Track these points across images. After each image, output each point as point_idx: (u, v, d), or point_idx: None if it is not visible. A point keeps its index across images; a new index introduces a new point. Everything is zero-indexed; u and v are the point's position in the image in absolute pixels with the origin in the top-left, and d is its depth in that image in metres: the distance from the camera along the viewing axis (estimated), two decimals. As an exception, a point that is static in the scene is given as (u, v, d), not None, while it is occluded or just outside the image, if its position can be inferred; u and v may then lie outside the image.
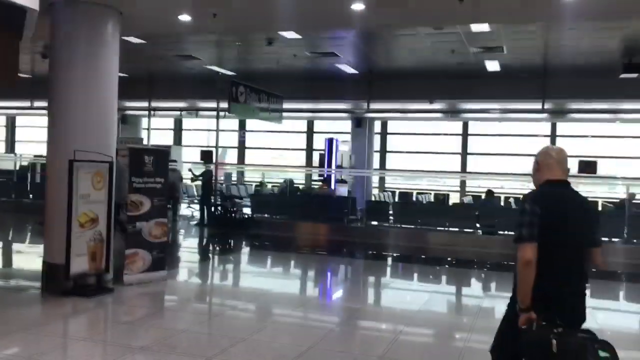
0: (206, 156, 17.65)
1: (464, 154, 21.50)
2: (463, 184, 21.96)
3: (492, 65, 13.71)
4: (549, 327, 2.88)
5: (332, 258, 12.38)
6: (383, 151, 22.49)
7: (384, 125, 22.23)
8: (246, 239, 14.32)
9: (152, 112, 18.46)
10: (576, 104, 15.86)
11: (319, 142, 23.04)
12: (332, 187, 17.64)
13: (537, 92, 14.55)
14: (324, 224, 14.85)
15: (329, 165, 18.57)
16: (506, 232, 12.71)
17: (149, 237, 8.26)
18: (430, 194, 19.18)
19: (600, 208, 16.60)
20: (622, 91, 14.08)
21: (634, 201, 17.59)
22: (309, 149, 23.50)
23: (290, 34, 11.36)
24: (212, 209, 15.73)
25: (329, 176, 18.15)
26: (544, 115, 16.30)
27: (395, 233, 14.01)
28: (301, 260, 11.79)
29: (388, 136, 22.58)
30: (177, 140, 25.39)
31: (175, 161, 16.40)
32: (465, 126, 21.50)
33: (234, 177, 22.65)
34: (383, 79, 15.65)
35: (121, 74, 8.13)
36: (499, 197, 16.65)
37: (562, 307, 3.01)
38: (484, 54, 12.56)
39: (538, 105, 14.86)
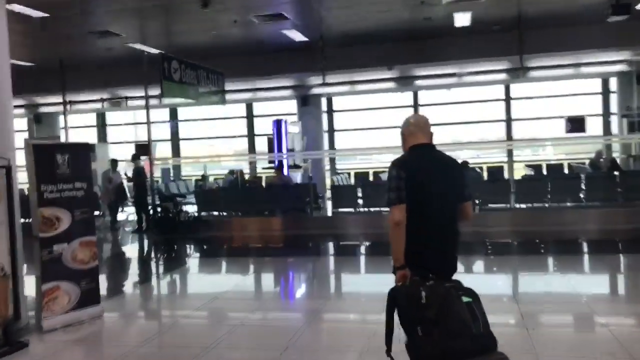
0: (142, 151, 15.04)
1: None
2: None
3: (463, 19, 11.89)
4: (421, 281, 3.02)
5: (300, 259, 10.06)
6: (331, 130, 20.49)
7: (330, 101, 20.18)
8: (195, 243, 12.06)
9: (67, 107, 15.60)
10: (556, 59, 14.24)
11: (261, 127, 20.88)
12: (286, 173, 15.57)
13: (512, 48, 12.82)
14: (283, 217, 12.80)
15: (280, 150, 16.44)
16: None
17: (73, 263, 6.01)
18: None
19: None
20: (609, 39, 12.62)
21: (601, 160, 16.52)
22: (251, 135, 21.23)
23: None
24: (152, 211, 13.31)
25: (280, 162, 16.03)
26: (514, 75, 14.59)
27: (369, 220, 12.10)
28: (266, 266, 9.66)
29: (335, 114, 20.56)
30: (102, 137, 22.55)
31: (116, 161, 14.01)
32: (416, 96, 19.79)
33: (172, 173, 20.13)
34: (338, 46, 13.57)
35: (26, 63, 5.72)
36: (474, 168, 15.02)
37: (433, 260, 3.16)
38: (458, 3, 10.69)
39: (515, 63, 13.10)
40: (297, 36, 12.76)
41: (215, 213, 13.57)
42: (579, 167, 16.13)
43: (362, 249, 10.98)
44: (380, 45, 13.78)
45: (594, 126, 19.10)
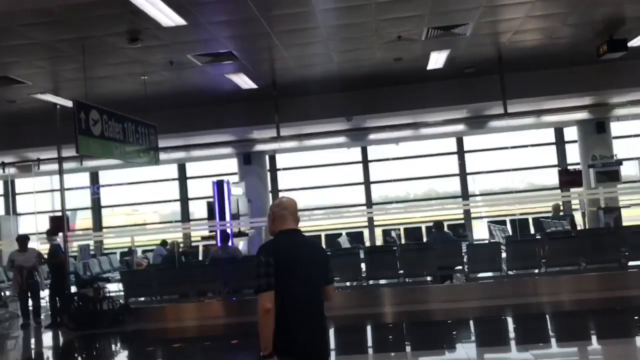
0: (56, 224, 12.02)
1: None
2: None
3: (438, 59, 10.16)
4: None
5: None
6: (275, 190, 18.18)
7: (273, 159, 17.98)
8: (121, 340, 9.33)
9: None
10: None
11: (196, 190, 18.37)
12: (230, 243, 13.09)
13: (494, 92, 11.14)
14: (232, 300, 10.34)
15: (222, 215, 13.97)
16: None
17: None
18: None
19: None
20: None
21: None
22: (184, 200, 18.61)
23: (170, 18, 6.93)
24: (65, 301, 10.45)
25: (223, 231, 13.50)
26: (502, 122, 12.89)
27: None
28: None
29: (279, 172, 18.34)
30: (10, 208, 19.20)
31: (25, 237, 10.93)
32: (365, 151, 17.98)
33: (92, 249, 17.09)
34: (290, 95, 11.49)
35: None
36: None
37: (303, 347, 3.16)
38: (438, 39, 8.92)
39: (498, 109, 11.38)
40: (244, 82, 10.59)
41: (149, 298, 10.89)
42: (547, 222, 14.58)
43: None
44: (340, 94, 11.85)
45: (548, 178, 18.00)
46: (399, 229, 15.76)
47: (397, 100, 11.94)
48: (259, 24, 7.60)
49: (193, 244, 16.49)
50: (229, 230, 13.47)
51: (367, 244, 16.30)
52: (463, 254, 10.67)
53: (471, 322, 8.70)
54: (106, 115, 8.31)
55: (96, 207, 18.97)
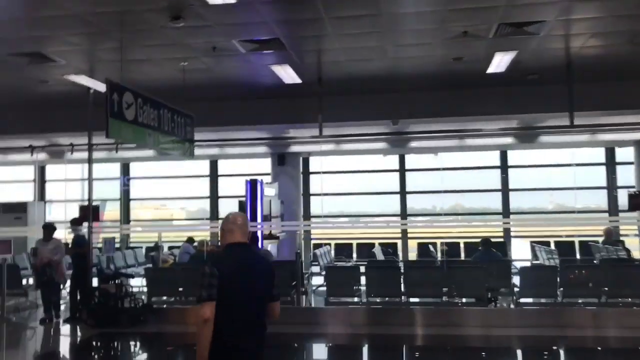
0: (84, 214, 11.29)
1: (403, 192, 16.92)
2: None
3: (501, 62, 9.20)
4: None
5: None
6: (306, 194, 17.29)
7: (306, 161, 17.08)
8: (141, 341, 8.56)
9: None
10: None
11: (228, 188, 17.61)
12: (260, 245, 12.27)
13: (558, 102, 10.10)
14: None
15: (254, 216, 13.15)
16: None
17: None
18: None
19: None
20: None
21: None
22: (214, 198, 17.85)
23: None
24: (87, 296, 9.71)
25: (254, 232, 12.67)
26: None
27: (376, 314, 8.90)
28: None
29: (312, 176, 17.44)
30: (41, 195, 18.69)
31: (51, 226, 10.13)
32: (403, 159, 17.00)
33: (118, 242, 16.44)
34: (336, 92, 10.62)
35: None
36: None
37: (239, 358, 3.21)
38: (507, 38, 7.97)
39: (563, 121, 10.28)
40: (288, 75, 9.75)
41: (172, 299, 10.11)
42: (597, 247, 13.41)
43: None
44: (387, 95, 10.94)
45: (591, 200, 16.82)
46: (437, 244, 14.79)
47: (449, 105, 10.97)
48: (313, 6, 6.75)
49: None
50: (259, 232, 12.72)
51: (400, 256, 15.35)
52: (512, 275, 9.71)
53: (520, 353, 7.74)
54: (141, 99, 7.54)
55: (125, 199, 18.31)
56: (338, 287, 9.71)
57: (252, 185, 13.26)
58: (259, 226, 12.82)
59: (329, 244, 15.49)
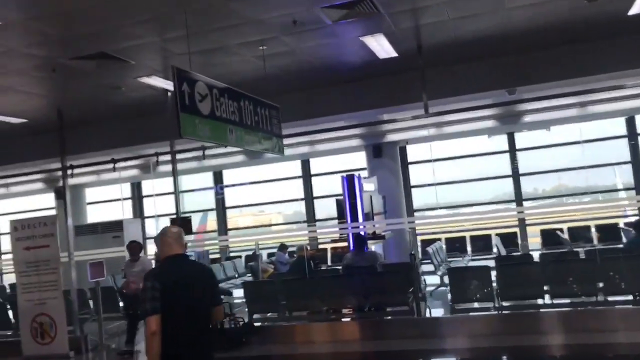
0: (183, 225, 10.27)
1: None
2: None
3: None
4: None
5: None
6: (407, 186, 15.57)
7: (403, 151, 15.35)
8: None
9: (69, 172, 11.23)
10: None
11: (323, 187, 16.31)
12: (365, 247, 10.77)
13: None
14: (374, 319, 8.01)
15: (354, 215, 11.68)
16: None
17: None
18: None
19: None
20: None
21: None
22: (309, 199, 16.57)
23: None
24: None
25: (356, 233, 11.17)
26: None
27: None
28: None
29: (411, 166, 15.71)
30: (138, 211, 18.29)
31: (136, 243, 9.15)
32: (512, 138, 14.89)
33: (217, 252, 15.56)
34: (438, 63, 8.92)
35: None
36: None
37: None
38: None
39: None
40: (382, 48, 8.17)
41: (275, 314, 8.85)
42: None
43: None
44: (499, 59, 9.10)
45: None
46: (563, 229, 12.68)
47: (576, 63, 8.95)
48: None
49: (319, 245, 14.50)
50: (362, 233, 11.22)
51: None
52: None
53: None
54: (217, 90, 6.26)
55: (220, 208, 17.48)
56: (465, 291, 8.02)
57: (349, 181, 11.79)
58: (361, 226, 11.34)
59: (439, 239, 13.85)
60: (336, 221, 13.04)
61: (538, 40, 8.62)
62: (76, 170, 14.92)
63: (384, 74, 9.40)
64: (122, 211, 16.87)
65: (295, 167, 16.43)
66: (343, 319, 8.53)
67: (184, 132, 5.48)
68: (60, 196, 16.90)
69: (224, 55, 7.83)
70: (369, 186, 12.72)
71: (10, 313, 9.57)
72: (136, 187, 18.12)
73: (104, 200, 18.02)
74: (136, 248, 8.76)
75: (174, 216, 9.27)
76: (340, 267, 13.55)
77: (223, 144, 6.32)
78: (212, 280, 3.60)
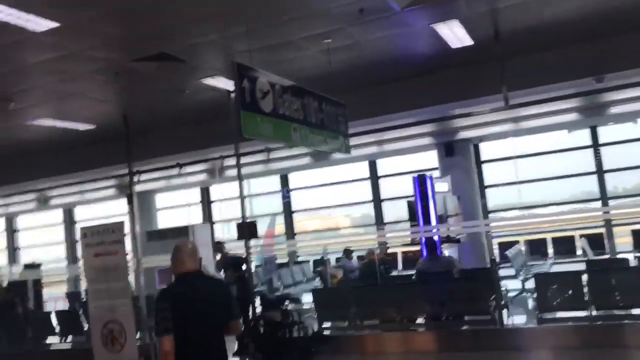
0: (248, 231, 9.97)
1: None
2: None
3: None
4: None
5: None
6: (480, 186, 14.64)
7: (476, 148, 14.45)
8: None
9: (135, 178, 11.14)
10: None
11: (391, 189, 15.67)
12: (438, 251, 10.08)
13: None
14: (453, 329, 7.36)
15: (427, 217, 11.02)
16: None
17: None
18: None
19: None
20: None
21: None
22: (377, 201, 15.96)
23: None
24: (252, 324, 8.28)
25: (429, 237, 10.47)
26: None
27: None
28: None
29: (485, 165, 14.77)
30: (207, 216, 18.28)
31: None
32: (595, 132, 13.69)
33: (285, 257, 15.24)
34: (517, 50, 8.15)
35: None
36: None
37: None
38: None
39: None
40: (455, 36, 7.52)
41: (345, 323, 8.35)
42: None
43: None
44: (585, 44, 8.21)
45: None
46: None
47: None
48: None
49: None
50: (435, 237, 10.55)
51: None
52: None
53: None
54: (279, 86, 5.85)
55: (287, 212, 17.17)
56: (553, 299, 7.23)
57: (421, 181, 11.15)
58: (434, 229, 10.65)
59: (517, 241, 12.96)
60: (407, 224, 12.41)
61: (627, 22, 7.70)
62: (146, 176, 15.14)
63: (457, 64, 8.71)
64: (189, 216, 16.91)
65: (363, 169, 15.89)
66: (418, 329, 7.97)
67: (245, 131, 5.08)
68: (131, 202, 17.21)
69: (286, 51, 7.42)
70: (442, 187, 12.02)
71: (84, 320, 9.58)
72: (205, 192, 18.12)
73: (174, 205, 18.13)
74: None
75: (240, 221, 8.97)
76: (412, 273, 13.08)
77: (286, 143, 5.87)
78: (226, 296, 3.60)
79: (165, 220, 17.65)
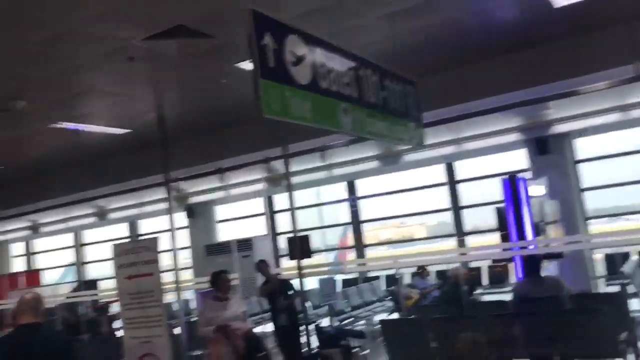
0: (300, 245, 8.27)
1: None
2: None
3: None
4: None
5: None
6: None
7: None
8: None
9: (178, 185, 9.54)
10: None
11: (472, 194, 13.54)
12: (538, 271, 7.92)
13: None
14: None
15: (519, 228, 8.87)
16: None
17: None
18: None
19: None
20: None
21: None
22: (456, 208, 13.82)
23: None
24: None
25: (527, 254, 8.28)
26: None
27: None
28: None
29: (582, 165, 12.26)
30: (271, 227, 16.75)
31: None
32: None
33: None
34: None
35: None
36: None
37: None
38: None
39: None
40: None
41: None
42: None
43: None
44: None
45: None
46: None
47: None
48: None
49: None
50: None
51: None
52: None
53: None
54: (322, 49, 4.09)
55: (356, 222, 15.36)
56: None
57: (512, 184, 9.04)
58: (532, 244, 8.46)
59: (627, 253, 10.66)
60: (495, 234, 10.29)
61: None
62: (205, 187, 13.86)
63: (561, 32, 6.62)
64: (247, 228, 15.49)
65: (439, 173, 13.85)
66: None
67: (266, 110, 3.38)
68: (191, 214, 16.00)
69: (338, 19, 5.66)
70: (536, 190, 9.83)
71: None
72: (267, 202, 16.62)
73: (235, 217, 16.76)
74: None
75: (291, 234, 7.33)
76: (500, 291, 10.93)
77: (331, 129, 4.10)
78: (65, 350, 3.54)
79: (226, 233, 16.29)
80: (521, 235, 8.85)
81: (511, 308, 6.53)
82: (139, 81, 6.72)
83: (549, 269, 9.10)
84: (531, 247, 8.25)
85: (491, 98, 7.62)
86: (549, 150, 10.99)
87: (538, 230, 9.14)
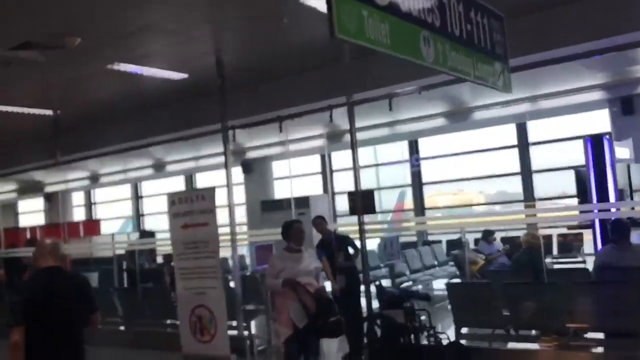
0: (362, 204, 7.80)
1: None
2: None
3: None
4: None
5: None
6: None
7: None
8: None
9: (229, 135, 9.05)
10: None
11: (543, 158, 12.68)
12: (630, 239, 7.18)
13: None
14: None
15: (601, 193, 8.10)
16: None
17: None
18: None
19: None
20: None
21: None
22: (526, 172, 12.98)
23: None
24: (366, 326, 6.17)
25: (618, 220, 7.51)
26: None
27: None
28: None
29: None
30: (329, 186, 16.40)
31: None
32: None
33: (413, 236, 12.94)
34: None
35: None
36: None
37: None
38: None
39: None
40: None
41: (491, 331, 6.00)
42: None
43: None
44: None
45: None
46: None
47: None
48: None
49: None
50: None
51: None
52: None
53: None
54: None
55: (417, 185, 14.78)
56: None
57: (595, 144, 8.23)
58: (614, 208, 7.71)
59: None
60: (569, 201, 9.57)
61: None
62: (260, 142, 13.55)
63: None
64: (303, 187, 15.15)
65: (510, 134, 13.01)
66: (597, 348, 5.53)
67: (339, 29, 2.89)
68: (247, 170, 15.82)
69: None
70: (622, 153, 8.96)
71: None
72: (326, 160, 16.23)
73: (294, 175, 16.46)
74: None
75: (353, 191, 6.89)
76: (572, 259, 10.30)
77: (411, 58, 3.57)
78: (86, 290, 3.70)
79: (282, 191, 16.06)
80: (603, 201, 8.10)
81: (593, 277, 5.94)
82: (198, 18, 6.33)
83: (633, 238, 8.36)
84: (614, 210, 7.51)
85: (576, 46, 6.82)
86: (635, 111, 10.04)
87: (622, 196, 8.35)
